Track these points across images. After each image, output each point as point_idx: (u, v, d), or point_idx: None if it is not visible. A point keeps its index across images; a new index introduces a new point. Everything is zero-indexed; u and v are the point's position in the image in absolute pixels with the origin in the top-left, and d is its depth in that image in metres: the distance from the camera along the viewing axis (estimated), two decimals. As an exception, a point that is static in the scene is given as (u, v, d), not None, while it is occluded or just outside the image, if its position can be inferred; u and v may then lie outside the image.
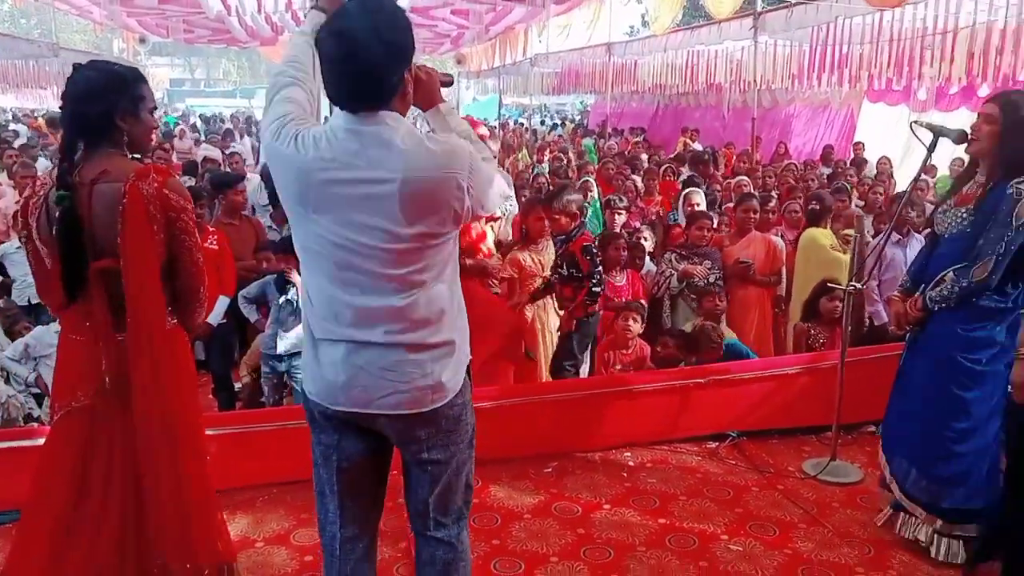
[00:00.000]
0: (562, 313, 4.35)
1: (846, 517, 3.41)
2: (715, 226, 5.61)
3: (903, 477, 3.15)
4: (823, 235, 5.18)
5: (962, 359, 2.95)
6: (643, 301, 4.89)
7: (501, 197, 2.11)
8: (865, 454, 4.01)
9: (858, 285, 3.72)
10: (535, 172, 10.55)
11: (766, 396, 4.18)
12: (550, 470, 3.83)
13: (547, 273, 4.50)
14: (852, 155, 11.16)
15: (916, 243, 5.02)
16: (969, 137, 2.96)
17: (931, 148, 3.25)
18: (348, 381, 1.98)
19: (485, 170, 2.01)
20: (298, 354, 4.39)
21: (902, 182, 8.49)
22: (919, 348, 3.14)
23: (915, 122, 3.30)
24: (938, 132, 3.18)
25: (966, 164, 3.24)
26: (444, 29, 16.23)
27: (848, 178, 7.75)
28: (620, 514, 3.43)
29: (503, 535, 3.25)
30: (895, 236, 5.00)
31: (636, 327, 4.52)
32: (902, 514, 3.20)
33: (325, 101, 2.02)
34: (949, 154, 8.45)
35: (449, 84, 2.24)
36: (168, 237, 2.29)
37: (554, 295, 4.42)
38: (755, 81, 9.95)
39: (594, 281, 4.17)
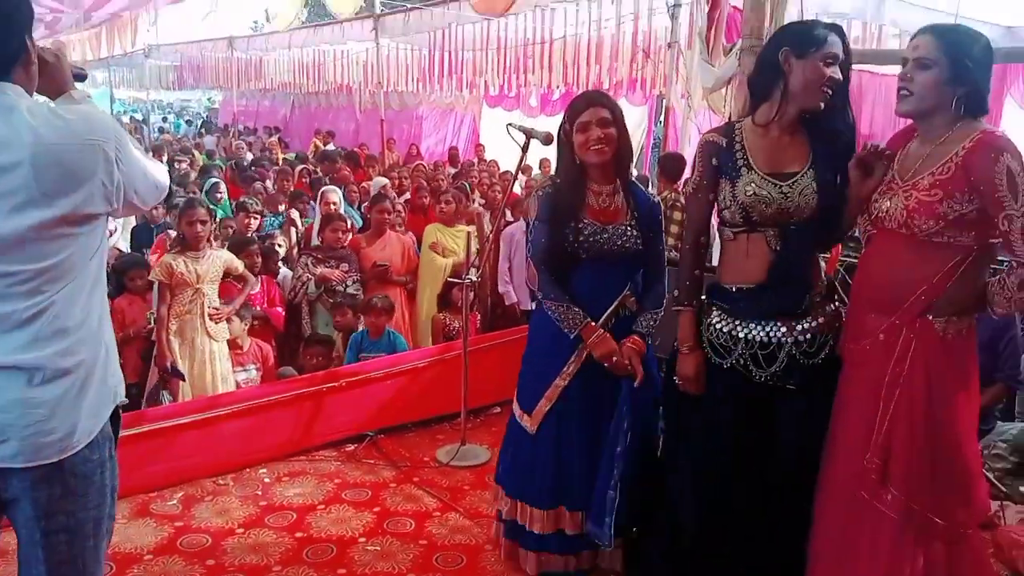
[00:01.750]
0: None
1: (476, 498, 3.61)
2: (349, 227, 5.62)
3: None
4: (432, 231, 5.52)
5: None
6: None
7: (156, 188, 1.86)
8: (492, 434, 4.28)
9: (473, 277, 3.98)
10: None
11: (400, 391, 4.28)
12: (175, 502, 3.52)
13: (202, 286, 4.15)
14: (476, 156, 11.99)
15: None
16: (593, 146, 2.66)
17: (524, 149, 3.56)
18: None
19: (135, 151, 1.77)
20: None
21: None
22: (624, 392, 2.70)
23: (509, 125, 3.59)
24: (528, 134, 3.49)
25: (567, 175, 2.78)
26: (38, 13, 14.17)
27: (471, 178, 8.26)
28: (255, 536, 3.26)
29: (118, 585, 2.91)
30: (523, 226, 5.47)
31: (236, 326, 4.41)
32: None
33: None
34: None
35: (82, 78, 1.95)
36: None
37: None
38: (381, 83, 10.16)
39: None
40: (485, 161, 11.19)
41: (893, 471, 2.22)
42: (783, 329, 2.38)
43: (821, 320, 2.41)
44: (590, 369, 2.74)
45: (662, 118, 8.86)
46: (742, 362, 2.41)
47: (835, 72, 2.28)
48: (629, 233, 2.73)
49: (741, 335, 2.41)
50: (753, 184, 2.35)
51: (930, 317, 2.19)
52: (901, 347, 2.22)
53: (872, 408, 2.27)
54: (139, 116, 19.01)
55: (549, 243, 2.74)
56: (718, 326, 2.46)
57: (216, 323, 4.21)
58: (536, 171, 10.13)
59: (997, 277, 2.17)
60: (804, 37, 2.31)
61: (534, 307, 3.04)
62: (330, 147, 12.92)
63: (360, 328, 4.75)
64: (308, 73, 12.26)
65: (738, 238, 2.43)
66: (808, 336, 2.39)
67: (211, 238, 4.39)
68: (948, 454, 2.22)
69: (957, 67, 2.12)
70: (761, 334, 2.38)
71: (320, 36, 11.00)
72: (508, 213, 6.89)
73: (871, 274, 2.34)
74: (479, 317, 5.34)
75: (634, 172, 3.05)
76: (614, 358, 2.68)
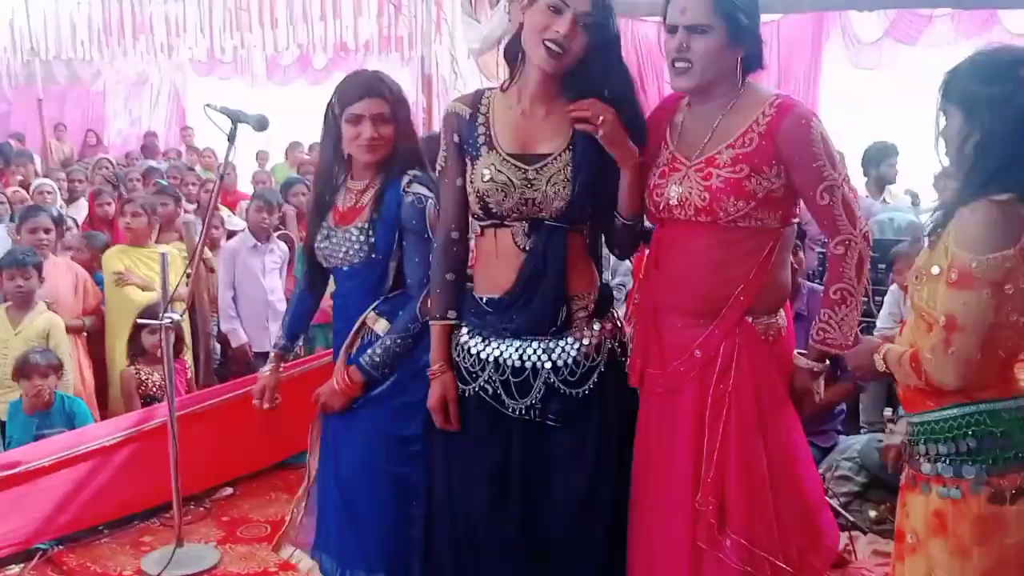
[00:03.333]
0: None
1: (202, 618, 3.40)
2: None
3: None
4: (114, 257, 5.18)
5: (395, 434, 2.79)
6: None
7: None
8: (222, 526, 4.10)
9: (176, 316, 3.73)
10: None
11: (84, 482, 3.95)
12: None
13: None
14: (182, 144, 11.50)
15: (279, 250, 5.52)
16: (365, 145, 2.68)
17: (231, 137, 3.36)
18: None
19: None
20: None
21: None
22: (348, 425, 2.84)
23: (208, 106, 3.36)
24: (235, 118, 3.30)
25: (325, 165, 2.90)
26: None
27: (173, 177, 7.88)
28: None
29: None
30: (250, 240, 5.40)
31: None
32: None
33: None
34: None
35: None
36: None
37: None
38: (36, 50, 9.46)
39: None
40: (196, 151, 10.73)
41: (732, 511, 2.28)
42: (539, 352, 2.39)
43: (586, 342, 2.41)
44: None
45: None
46: (490, 390, 2.42)
47: (561, 23, 2.22)
48: (355, 239, 2.72)
49: (490, 357, 2.42)
50: (492, 167, 2.36)
51: (750, 320, 2.30)
52: (723, 360, 2.29)
53: (695, 440, 2.32)
54: None
55: (304, 250, 2.97)
56: (466, 345, 2.47)
57: None
58: (279, 161, 9.87)
59: (823, 311, 2.30)
60: None
61: None
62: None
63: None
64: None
65: (485, 234, 2.45)
66: (570, 361, 2.39)
67: None
68: (787, 479, 2.33)
69: (734, 26, 2.22)
70: (514, 356, 2.39)
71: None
72: (232, 219, 6.62)
73: (671, 277, 2.38)
74: (191, 367, 5.04)
75: None
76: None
